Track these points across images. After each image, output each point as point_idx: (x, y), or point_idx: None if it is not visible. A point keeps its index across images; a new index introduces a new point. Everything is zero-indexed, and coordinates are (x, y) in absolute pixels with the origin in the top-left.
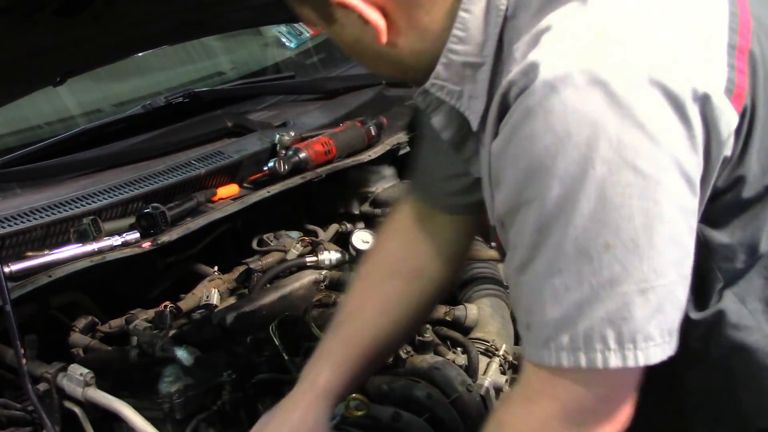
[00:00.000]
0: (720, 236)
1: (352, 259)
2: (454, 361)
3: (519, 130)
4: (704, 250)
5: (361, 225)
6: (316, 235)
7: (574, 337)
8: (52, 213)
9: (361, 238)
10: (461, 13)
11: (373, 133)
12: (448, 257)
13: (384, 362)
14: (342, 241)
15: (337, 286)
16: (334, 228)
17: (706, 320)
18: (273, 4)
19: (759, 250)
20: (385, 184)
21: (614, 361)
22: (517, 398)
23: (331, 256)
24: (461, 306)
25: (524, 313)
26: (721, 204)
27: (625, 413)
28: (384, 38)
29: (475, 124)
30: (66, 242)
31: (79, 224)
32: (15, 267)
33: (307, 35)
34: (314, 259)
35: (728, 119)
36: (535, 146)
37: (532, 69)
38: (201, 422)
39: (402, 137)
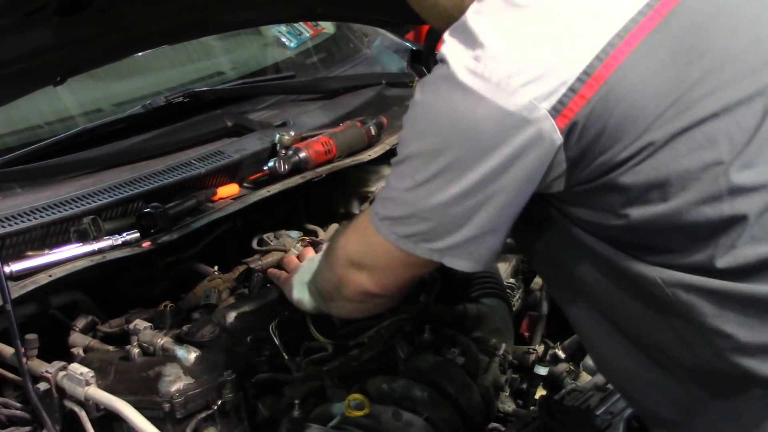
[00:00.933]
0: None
1: None
2: (454, 361)
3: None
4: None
5: None
6: (316, 234)
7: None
8: (52, 213)
9: None
10: None
11: (373, 132)
12: None
13: None
14: None
15: None
16: (334, 228)
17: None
18: (273, 4)
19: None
20: (384, 183)
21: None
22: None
23: None
24: (461, 306)
25: (382, 194)
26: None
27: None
28: None
29: None
30: (66, 242)
31: (80, 224)
32: (15, 267)
33: (307, 35)
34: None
35: (551, 135)
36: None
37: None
38: (201, 422)
39: None
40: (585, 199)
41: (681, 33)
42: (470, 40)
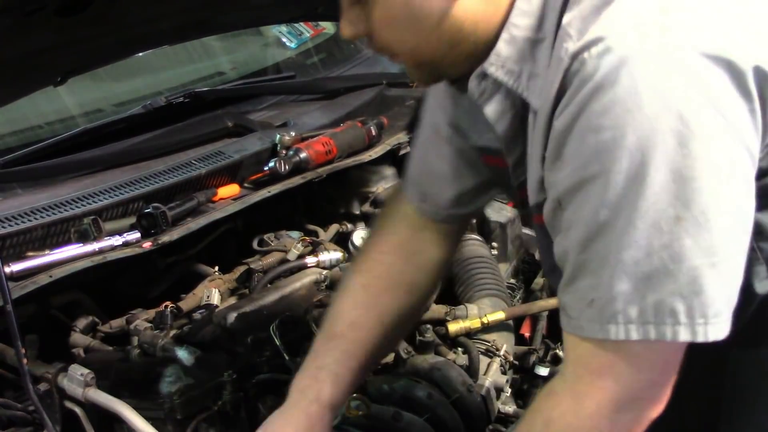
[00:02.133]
0: (763, 217)
1: (353, 258)
2: (454, 361)
3: (588, 105)
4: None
5: (362, 225)
6: (316, 235)
7: (643, 310)
8: (53, 213)
9: (362, 237)
10: None
11: (373, 133)
12: (439, 267)
13: (376, 366)
14: (342, 241)
15: (337, 286)
16: (334, 228)
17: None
18: (273, 4)
19: None
20: (385, 184)
21: (684, 335)
22: (564, 392)
23: (331, 256)
24: (462, 306)
25: (586, 290)
26: (764, 185)
27: (665, 399)
28: None
29: (536, 104)
30: (67, 242)
31: (80, 224)
32: (16, 267)
33: (308, 35)
34: (315, 259)
35: None
36: (604, 120)
37: (596, 43)
38: (201, 422)
39: (402, 137)
40: None
41: None
42: None
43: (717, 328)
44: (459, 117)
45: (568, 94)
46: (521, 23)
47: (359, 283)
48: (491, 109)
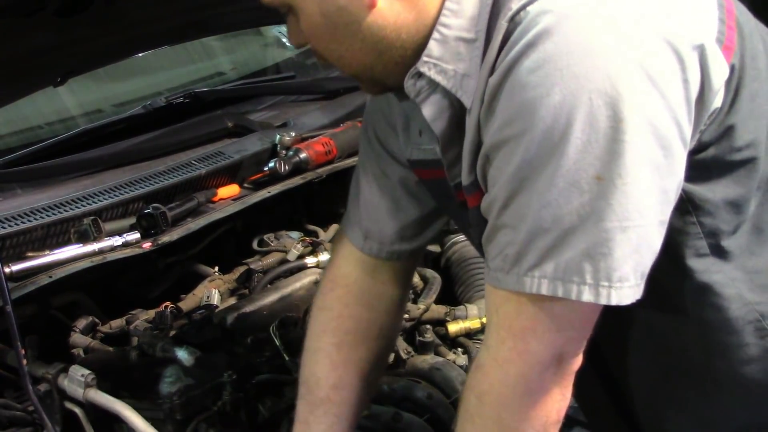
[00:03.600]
0: (701, 191)
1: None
2: (454, 362)
3: (519, 61)
4: (684, 204)
5: None
6: (316, 235)
7: (557, 267)
8: (53, 213)
9: None
10: None
11: None
12: (401, 304)
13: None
14: None
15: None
16: (334, 228)
17: (692, 279)
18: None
19: (743, 212)
20: None
21: (587, 296)
22: (490, 363)
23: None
24: (461, 306)
25: (505, 244)
26: (706, 159)
27: (582, 351)
28: None
29: (468, 103)
30: (66, 242)
31: (80, 224)
32: (15, 267)
33: None
34: (315, 260)
35: (720, 68)
36: (532, 78)
37: (533, 2)
38: (201, 423)
39: None
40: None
41: None
42: None
43: (621, 293)
44: (388, 135)
45: (502, 53)
46: (451, 23)
47: (331, 343)
48: (428, 108)
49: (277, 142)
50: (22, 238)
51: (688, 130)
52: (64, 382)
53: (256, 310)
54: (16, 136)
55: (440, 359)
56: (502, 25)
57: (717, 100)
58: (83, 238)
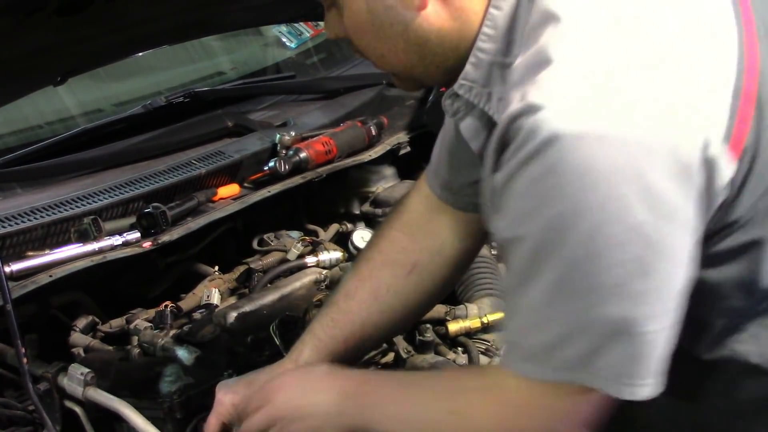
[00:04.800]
0: (712, 275)
1: (353, 258)
2: (454, 361)
3: (523, 169)
4: (699, 290)
5: (362, 225)
6: (316, 234)
7: (557, 366)
8: (53, 213)
9: (362, 237)
10: (491, 10)
11: (373, 132)
12: (453, 257)
13: (373, 347)
14: (342, 241)
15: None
16: (334, 228)
17: (722, 360)
18: (273, 4)
19: (758, 289)
20: (385, 183)
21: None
22: (474, 389)
23: (331, 255)
24: (462, 305)
25: (511, 330)
26: (713, 245)
27: None
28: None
29: None
30: (67, 242)
31: (80, 224)
32: (16, 267)
33: (308, 35)
34: (315, 259)
35: (725, 168)
36: (535, 189)
37: (534, 111)
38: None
39: (402, 137)
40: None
41: None
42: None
43: (634, 390)
44: None
45: (507, 152)
46: (487, 47)
47: (363, 256)
48: (466, 127)
49: (277, 141)
50: (22, 238)
51: (695, 234)
52: (64, 381)
53: (256, 310)
54: (15, 136)
55: (440, 358)
56: (502, 118)
57: (722, 196)
58: (83, 237)
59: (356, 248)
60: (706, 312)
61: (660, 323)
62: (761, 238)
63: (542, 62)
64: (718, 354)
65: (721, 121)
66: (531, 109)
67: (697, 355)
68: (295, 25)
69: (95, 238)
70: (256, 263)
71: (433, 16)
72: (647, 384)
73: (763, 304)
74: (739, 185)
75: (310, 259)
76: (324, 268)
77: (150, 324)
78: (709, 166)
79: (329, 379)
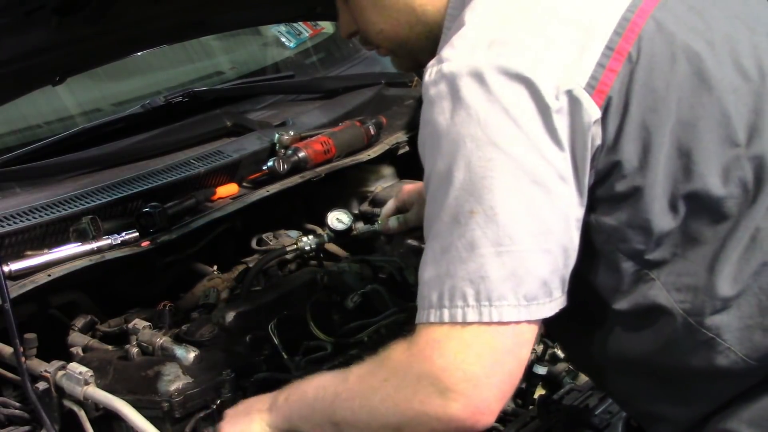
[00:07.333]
0: (608, 219)
1: (330, 239)
2: None
3: (423, 115)
4: (600, 234)
5: (361, 224)
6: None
7: (441, 295)
8: (52, 212)
9: (337, 218)
10: None
11: (372, 132)
12: None
13: None
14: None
15: (336, 285)
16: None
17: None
18: (273, 4)
19: (652, 230)
20: (384, 183)
21: (472, 316)
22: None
23: (310, 241)
24: None
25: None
26: (603, 190)
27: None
28: None
29: None
30: (65, 241)
31: (79, 223)
32: (14, 266)
33: (307, 35)
34: (294, 246)
35: (590, 108)
36: (428, 130)
37: (439, 61)
38: (200, 421)
39: (401, 136)
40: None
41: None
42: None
43: (502, 310)
44: None
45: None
46: (448, 24)
47: None
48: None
49: (275, 141)
50: (21, 237)
51: (564, 168)
52: (63, 380)
53: (255, 309)
54: (14, 135)
55: None
56: None
57: (595, 138)
58: (82, 236)
59: (332, 230)
60: (615, 256)
61: (525, 243)
62: (641, 185)
63: (459, 28)
64: (633, 301)
65: (586, 69)
66: (436, 61)
67: (618, 307)
68: (294, 24)
69: (94, 238)
70: (255, 263)
71: None
72: (504, 304)
73: (663, 245)
74: (616, 132)
75: (289, 248)
76: (305, 253)
77: (149, 323)
78: (572, 102)
79: (255, 406)
